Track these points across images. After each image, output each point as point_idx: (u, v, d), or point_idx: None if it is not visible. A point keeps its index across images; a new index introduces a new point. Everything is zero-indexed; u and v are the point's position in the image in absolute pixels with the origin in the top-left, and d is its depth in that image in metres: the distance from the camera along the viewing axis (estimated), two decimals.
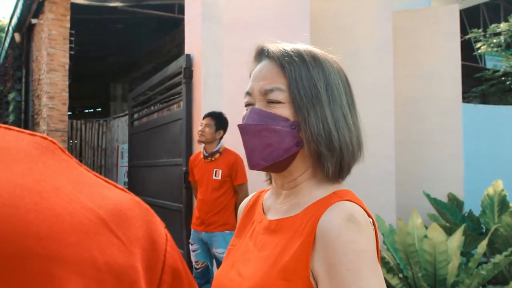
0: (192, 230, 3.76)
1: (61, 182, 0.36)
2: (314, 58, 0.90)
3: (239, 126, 0.92)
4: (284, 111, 0.88)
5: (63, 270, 0.32)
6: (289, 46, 0.92)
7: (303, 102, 0.86)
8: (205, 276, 3.77)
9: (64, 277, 0.31)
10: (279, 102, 0.88)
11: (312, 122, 0.86)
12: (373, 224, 0.83)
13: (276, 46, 0.93)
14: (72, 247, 0.33)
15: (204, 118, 3.66)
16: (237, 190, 3.63)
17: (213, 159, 3.63)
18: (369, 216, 0.83)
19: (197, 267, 3.75)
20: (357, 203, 0.83)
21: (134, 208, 0.40)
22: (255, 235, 0.96)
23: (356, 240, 0.76)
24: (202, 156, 3.70)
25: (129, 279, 0.36)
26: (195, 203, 3.91)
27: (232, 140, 3.58)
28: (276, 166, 0.90)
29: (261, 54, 0.95)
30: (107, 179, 0.41)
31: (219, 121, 3.63)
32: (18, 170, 0.34)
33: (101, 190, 0.39)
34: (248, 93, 0.93)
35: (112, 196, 0.39)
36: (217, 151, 3.63)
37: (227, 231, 3.57)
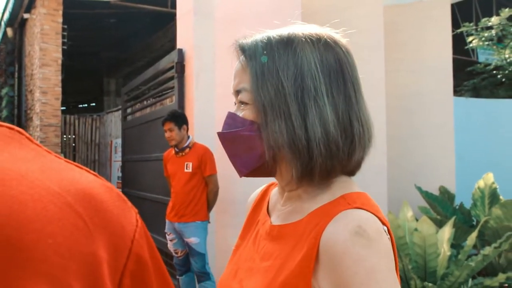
0: (167, 221, 3.98)
1: (27, 170, 0.36)
2: (287, 43, 0.77)
3: (218, 134, 0.84)
4: (251, 113, 0.79)
5: (23, 258, 0.31)
6: (262, 35, 0.82)
7: (263, 101, 0.76)
8: (186, 264, 4.02)
9: (24, 264, 0.31)
10: (247, 104, 0.80)
11: (271, 122, 0.75)
12: (389, 232, 0.73)
13: (251, 37, 0.83)
14: (33, 234, 0.32)
15: (163, 124, 3.86)
16: (207, 181, 3.85)
17: (183, 154, 3.87)
18: (384, 223, 0.72)
19: (177, 255, 4.01)
20: (369, 210, 0.72)
21: (104, 193, 0.40)
22: (258, 240, 0.87)
23: (366, 257, 0.66)
24: (173, 152, 3.94)
25: (90, 266, 0.35)
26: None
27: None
28: (259, 171, 0.81)
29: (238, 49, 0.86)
30: (80, 165, 0.41)
31: (177, 119, 3.82)
32: None
33: (71, 175, 0.39)
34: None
35: (82, 180, 0.39)
36: (187, 146, 3.86)
37: (198, 221, 3.80)
